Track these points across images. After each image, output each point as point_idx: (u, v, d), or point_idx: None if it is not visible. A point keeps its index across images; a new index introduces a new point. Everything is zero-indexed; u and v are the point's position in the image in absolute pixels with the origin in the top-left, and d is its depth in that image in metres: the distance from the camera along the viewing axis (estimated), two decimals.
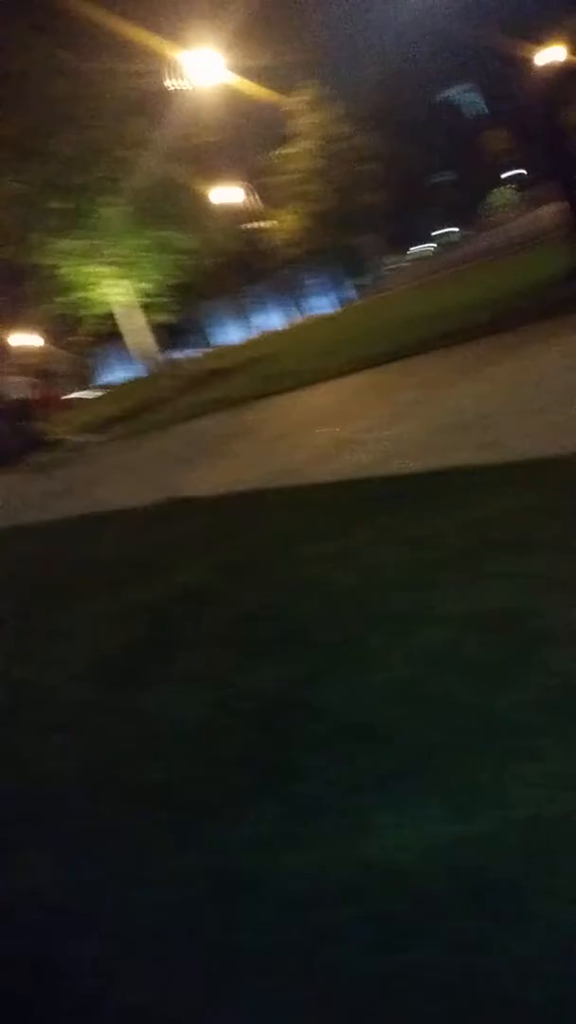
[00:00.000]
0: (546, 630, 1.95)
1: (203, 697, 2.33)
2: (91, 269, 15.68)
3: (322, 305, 27.77)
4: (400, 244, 33.99)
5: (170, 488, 5.52)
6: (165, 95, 18.90)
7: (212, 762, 1.98)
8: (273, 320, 32.31)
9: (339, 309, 24.98)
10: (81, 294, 15.85)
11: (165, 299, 16.56)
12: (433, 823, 1.47)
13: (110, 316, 17.13)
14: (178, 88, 26.74)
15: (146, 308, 16.73)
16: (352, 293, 28.56)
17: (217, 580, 3.33)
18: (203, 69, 28.24)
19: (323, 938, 1.33)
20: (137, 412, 14.31)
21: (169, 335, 18.22)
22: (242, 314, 41.70)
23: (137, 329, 16.95)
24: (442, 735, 1.71)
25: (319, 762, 1.79)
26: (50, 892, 1.74)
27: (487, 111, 40.85)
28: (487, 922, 1.24)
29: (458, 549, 2.66)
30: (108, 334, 20.61)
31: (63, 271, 15.57)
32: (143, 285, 16.26)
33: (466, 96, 42.11)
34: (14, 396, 15.79)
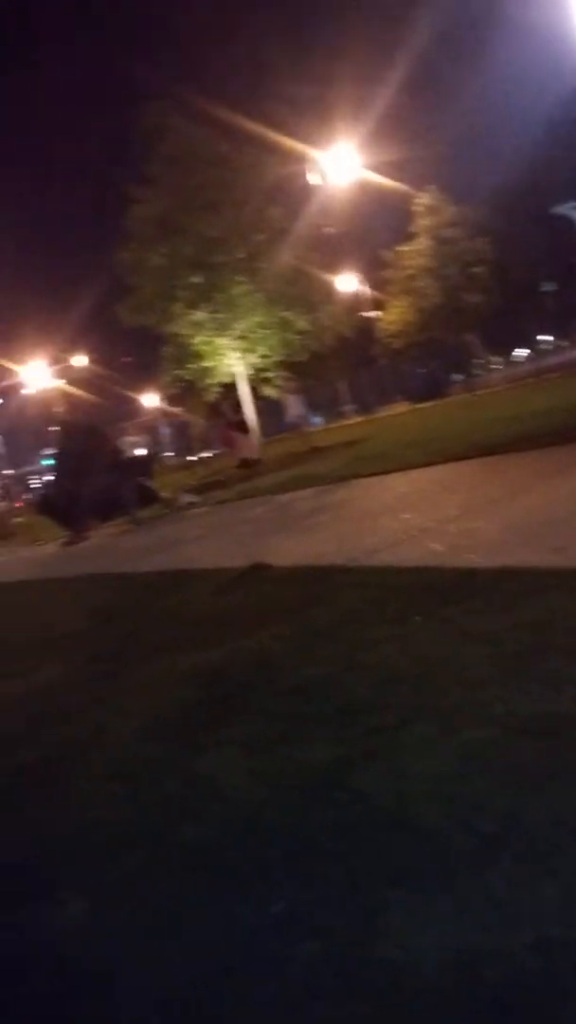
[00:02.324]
0: None
1: (249, 765, 2.31)
2: (219, 341, 16.25)
3: (418, 396, 27.86)
4: (498, 346, 34.06)
5: (255, 554, 5.57)
6: (303, 188, 19.84)
7: (247, 831, 1.96)
8: (372, 405, 32.83)
9: (433, 402, 25.04)
10: (207, 363, 16.40)
11: (274, 374, 17.00)
12: (443, 924, 1.41)
13: (227, 386, 17.64)
14: (315, 182, 28.04)
15: (260, 382, 17.17)
16: (446, 387, 28.71)
17: (281, 650, 3.32)
18: (338, 167, 29.62)
19: None
20: (237, 479, 14.60)
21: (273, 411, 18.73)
22: (342, 397, 42.31)
23: (247, 401, 17.42)
24: (467, 837, 1.65)
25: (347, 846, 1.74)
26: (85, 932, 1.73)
27: None
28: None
29: (513, 649, 2.59)
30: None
31: (194, 341, 16.17)
32: (257, 360, 16.73)
33: (574, 213, 42.19)
34: (133, 453, 16.14)
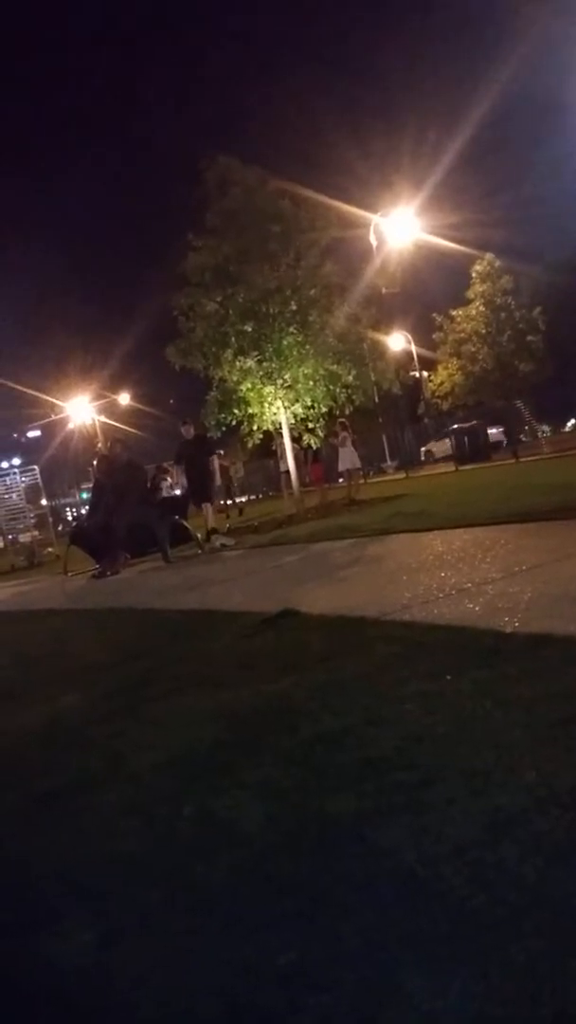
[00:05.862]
0: None
1: (265, 810, 2.28)
2: (266, 389, 16.52)
3: (461, 458, 27.88)
4: (548, 415, 34.10)
5: (285, 600, 5.56)
6: (362, 249, 20.30)
7: (259, 877, 1.92)
8: (414, 463, 32.99)
9: (477, 464, 25.05)
10: (252, 410, 16.64)
11: (316, 425, 17.16)
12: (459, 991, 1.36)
13: (268, 434, 17.86)
14: (374, 243, 28.76)
15: (303, 432, 17.36)
16: (492, 451, 28.76)
17: (304, 697, 3.29)
18: (398, 229, 30.48)
19: None
20: (274, 526, 14.65)
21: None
22: (384, 453, 42.51)
23: (287, 450, 17.57)
24: (488, 905, 1.60)
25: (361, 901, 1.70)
26: (89, 966, 1.70)
27: None
28: None
29: (546, 717, 2.54)
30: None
31: (241, 387, 16.46)
32: (300, 411, 16.93)
33: None
34: (171, 493, 16.26)
